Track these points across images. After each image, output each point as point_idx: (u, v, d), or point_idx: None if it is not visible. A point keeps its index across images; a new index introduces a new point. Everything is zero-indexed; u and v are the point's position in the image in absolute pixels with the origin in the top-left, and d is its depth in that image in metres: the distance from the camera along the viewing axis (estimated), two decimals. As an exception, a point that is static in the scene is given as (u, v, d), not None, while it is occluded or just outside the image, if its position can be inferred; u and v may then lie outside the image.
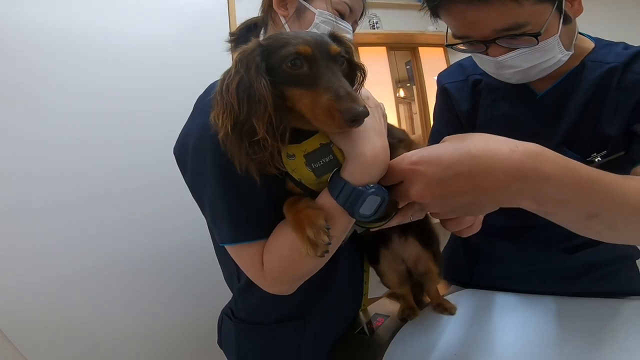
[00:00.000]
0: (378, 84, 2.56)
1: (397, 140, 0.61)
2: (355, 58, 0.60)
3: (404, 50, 2.71)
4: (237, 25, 0.87)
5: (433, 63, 2.69)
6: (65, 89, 1.42)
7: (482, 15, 0.66)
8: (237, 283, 0.77)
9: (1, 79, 1.33)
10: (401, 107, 2.74)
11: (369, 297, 0.97)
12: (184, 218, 1.49)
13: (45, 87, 1.40)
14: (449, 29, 0.77)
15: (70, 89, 1.43)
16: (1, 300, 1.31)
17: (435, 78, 1.02)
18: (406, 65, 2.79)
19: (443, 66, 2.64)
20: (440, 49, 2.72)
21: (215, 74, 0.65)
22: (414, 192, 0.49)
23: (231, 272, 0.78)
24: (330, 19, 0.80)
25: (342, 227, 0.57)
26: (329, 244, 0.51)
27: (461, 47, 0.78)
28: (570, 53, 0.74)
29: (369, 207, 0.52)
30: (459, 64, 0.97)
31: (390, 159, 0.54)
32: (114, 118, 1.49)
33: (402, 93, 2.80)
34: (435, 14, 0.75)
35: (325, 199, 0.55)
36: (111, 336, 1.48)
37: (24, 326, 1.34)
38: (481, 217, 0.65)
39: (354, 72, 0.60)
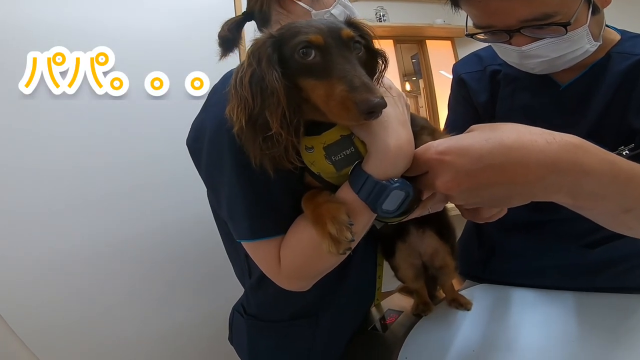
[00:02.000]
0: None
1: (420, 128, 0.59)
2: (375, 44, 0.57)
3: (411, 43, 2.67)
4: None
5: (440, 56, 2.65)
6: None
7: (508, 5, 0.64)
8: (249, 279, 0.76)
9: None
10: (408, 101, 2.72)
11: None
12: (194, 215, 1.49)
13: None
14: (468, 18, 0.74)
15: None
16: (10, 295, 1.31)
17: (443, 72, 1.00)
18: (412, 59, 2.76)
19: (451, 60, 2.60)
20: (448, 42, 2.68)
21: (221, 71, 0.64)
22: (440, 183, 0.47)
23: (242, 268, 0.76)
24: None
25: (363, 222, 0.55)
26: (352, 240, 0.49)
27: (481, 36, 0.75)
28: (599, 44, 0.72)
29: (392, 202, 0.50)
30: (476, 54, 0.95)
31: (417, 146, 0.52)
32: (117, 115, 1.48)
33: (408, 87, 2.77)
34: (455, 3, 0.72)
35: (346, 193, 0.53)
36: (122, 334, 1.48)
37: (32, 322, 1.34)
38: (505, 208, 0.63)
39: (374, 59, 0.57)
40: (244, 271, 0.76)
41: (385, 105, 0.45)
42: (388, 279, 0.90)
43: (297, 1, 0.74)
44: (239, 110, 0.48)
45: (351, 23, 0.55)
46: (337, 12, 0.77)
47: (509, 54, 0.75)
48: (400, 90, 0.61)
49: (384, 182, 0.49)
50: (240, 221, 0.61)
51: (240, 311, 0.81)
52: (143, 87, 1.50)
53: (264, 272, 0.64)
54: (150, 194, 1.51)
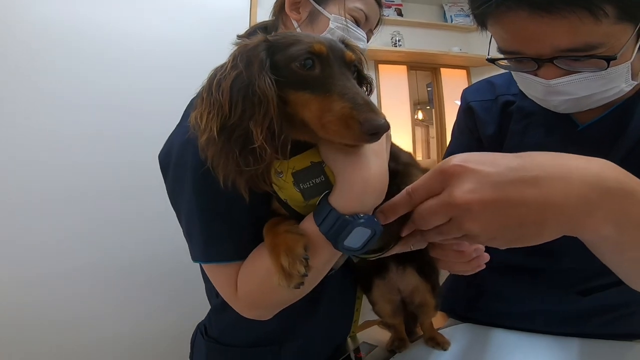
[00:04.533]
0: (396, 104, 2.51)
1: (404, 165, 0.55)
2: (365, 69, 0.54)
3: (425, 70, 2.67)
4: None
5: (454, 86, 2.63)
6: (86, 89, 1.45)
7: (546, 29, 0.54)
8: (215, 299, 0.72)
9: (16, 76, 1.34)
10: (418, 130, 2.69)
11: (360, 322, 0.91)
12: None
13: (68, 85, 1.42)
14: (492, 40, 0.66)
15: (94, 89, 1.46)
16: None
17: (457, 102, 0.94)
18: (427, 87, 2.75)
19: (465, 89, 2.58)
20: (463, 72, 2.67)
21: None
22: (459, 193, 0.39)
23: (210, 287, 0.72)
24: (345, 25, 0.76)
25: (323, 258, 0.51)
26: (305, 275, 0.45)
27: (504, 62, 0.66)
28: (635, 84, 0.62)
29: (356, 239, 0.46)
30: (489, 81, 0.87)
31: (404, 185, 0.46)
32: (132, 118, 1.51)
33: (420, 115, 2.75)
34: (481, 22, 0.63)
35: (309, 225, 0.49)
36: (99, 336, 1.45)
37: (12, 321, 1.32)
38: (485, 254, 0.58)
39: (360, 84, 0.54)
40: (212, 290, 0.72)
41: (388, 127, 0.42)
42: (370, 310, 0.85)
43: (295, 24, 0.78)
44: (209, 117, 0.43)
45: (346, 45, 0.52)
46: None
47: (532, 86, 0.65)
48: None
49: (348, 217, 0.45)
50: (195, 242, 0.58)
51: (202, 331, 0.77)
52: (157, 98, 1.51)
53: (222, 296, 0.61)
54: (141, 199, 1.50)
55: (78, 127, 1.43)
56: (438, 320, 0.87)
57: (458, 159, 0.41)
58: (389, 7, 2.49)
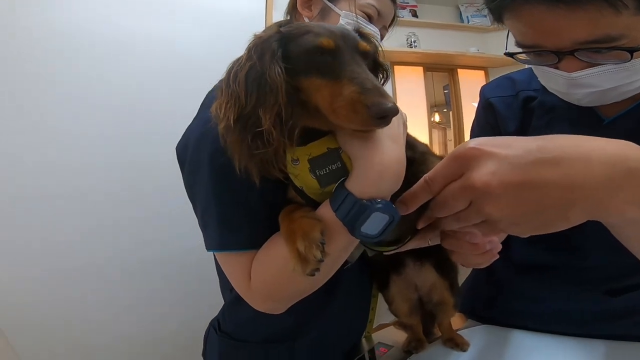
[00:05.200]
0: (412, 106, 2.48)
1: (421, 153, 0.54)
2: (381, 57, 0.55)
3: (442, 71, 2.64)
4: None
5: (472, 87, 2.58)
6: (104, 91, 1.48)
7: (565, 22, 0.53)
8: (229, 293, 0.72)
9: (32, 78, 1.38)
10: (435, 133, 2.65)
11: (376, 325, 0.89)
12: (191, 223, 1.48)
13: (84, 87, 1.45)
14: (509, 34, 0.65)
15: (112, 91, 1.49)
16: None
17: (475, 103, 0.92)
18: (444, 90, 2.72)
19: (483, 91, 2.54)
20: (481, 72, 2.63)
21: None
22: (477, 176, 0.38)
23: (226, 283, 0.72)
24: (356, 22, 0.76)
25: (340, 245, 0.50)
26: (321, 260, 0.45)
27: (523, 57, 0.64)
28: None
29: (373, 225, 0.45)
30: (508, 77, 0.86)
31: (422, 173, 0.45)
32: (150, 119, 1.53)
33: (437, 118, 2.71)
34: (497, 16, 0.62)
35: (326, 211, 0.49)
36: (106, 338, 1.46)
37: (19, 321, 1.34)
38: (498, 245, 0.56)
39: (376, 72, 0.54)
40: (226, 285, 0.71)
41: (397, 111, 0.42)
42: (385, 312, 0.83)
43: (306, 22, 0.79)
44: (227, 107, 0.45)
45: (361, 34, 0.53)
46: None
47: (554, 79, 0.64)
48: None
49: (365, 201, 0.44)
50: (211, 230, 0.58)
51: (215, 327, 0.77)
52: (174, 99, 1.53)
53: (235, 288, 0.60)
54: (153, 199, 1.52)
55: (95, 128, 1.46)
56: (456, 322, 0.84)
57: (474, 142, 0.40)
58: (404, 8, 2.47)
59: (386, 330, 0.90)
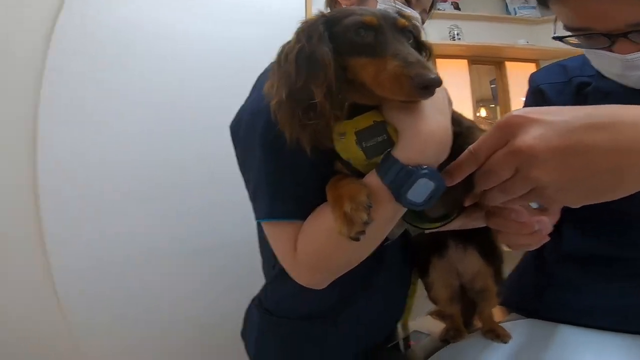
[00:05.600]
0: (456, 101, 2.35)
1: (467, 128, 0.54)
2: (422, 36, 0.56)
3: (488, 64, 2.53)
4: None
5: (522, 81, 2.44)
6: (149, 88, 1.54)
7: (612, 6, 0.53)
8: (272, 270, 0.74)
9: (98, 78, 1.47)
10: (481, 129, 2.55)
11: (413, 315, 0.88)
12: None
13: (132, 85, 1.52)
14: (557, 18, 0.64)
15: (153, 88, 1.54)
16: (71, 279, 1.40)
17: (523, 98, 0.89)
18: (491, 84, 2.61)
19: (533, 84, 2.42)
20: (532, 65, 2.48)
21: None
22: (522, 140, 0.37)
23: (269, 257, 0.74)
24: (394, 6, 0.77)
25: (385, 212, 0.50)
26: (367, 223, 0.45)
27: (573, 40, 0.63)
28: None
29: (419, 192, 0.45)
30: (559, 64, 0.83)
31: (467, 145, 0.46)
32: (193, 117, 1.58)
33: (483, 113, 2.62)
34: (543, 2, 0.62)
35: (372, 178, 0.50)
36: (161, 326, 1.52)
37: (84, 308, 1.42)
38: (548, 226, 0.54)
39: (419, 52, 0.55)
40: (270, 263, 0.74)
41: (440, 82, 0.43)
42: (423, 302, 0.82)
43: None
44: (279, 85, 0.48)
45: (402, 15, 0.54)
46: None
47: (608, 62, 0.62)
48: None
49: (411, 167, 0.45)
50: (261, 200, 0.61)
51: (256, 304, 0.79)
52: (224, 95, 1.58)
53: (279, 260, 0.62)
54: (209, 191, 1.57)
55: (153, 125, 1.53)
56: (497, 315, 0.81)
57: (519, 111, 0.40)
58: (445, 1, 2.41)
59: (423, 319, 0.88)
